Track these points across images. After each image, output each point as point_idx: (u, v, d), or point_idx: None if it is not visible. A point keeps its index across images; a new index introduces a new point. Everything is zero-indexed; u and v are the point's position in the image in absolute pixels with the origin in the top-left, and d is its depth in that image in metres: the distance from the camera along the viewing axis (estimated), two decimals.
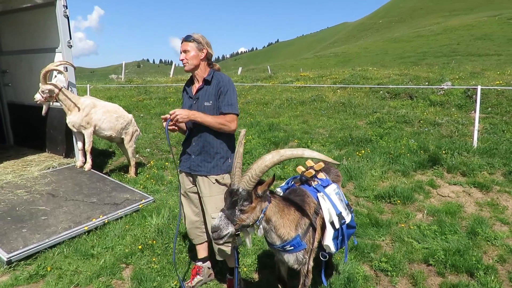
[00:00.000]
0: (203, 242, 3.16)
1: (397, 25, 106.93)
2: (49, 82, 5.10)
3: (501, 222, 3.95)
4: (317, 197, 2.48)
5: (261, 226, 2.20)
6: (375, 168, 5.35)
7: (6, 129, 7.10)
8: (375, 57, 49.78)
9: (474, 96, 7.63)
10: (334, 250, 2.57)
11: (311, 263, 2.50)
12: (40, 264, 3.45)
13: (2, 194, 4.56)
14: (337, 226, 2.45)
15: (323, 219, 2.43)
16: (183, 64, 2.72)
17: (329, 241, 2.51)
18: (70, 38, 5.44)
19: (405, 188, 4.60)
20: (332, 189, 2.61)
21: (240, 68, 23.07)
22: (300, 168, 2.77)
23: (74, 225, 4.00)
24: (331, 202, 2.44)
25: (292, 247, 2.33)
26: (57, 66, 5.15)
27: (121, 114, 5.62)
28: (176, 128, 2.75)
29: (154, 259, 3.52)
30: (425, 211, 4.19)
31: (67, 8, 5.31)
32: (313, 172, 2.64)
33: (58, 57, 5.58)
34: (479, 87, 5.72)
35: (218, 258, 2.96)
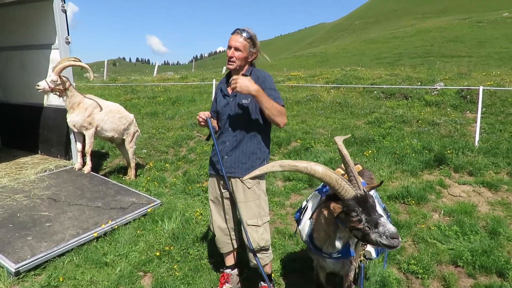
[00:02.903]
0: (232, 250, 3.02)
1: (373, 27, 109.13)
2: (63, 75, 4.80)
3: None
4: None
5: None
6: (382, 169, 5.35)
7: None
8: (352, 57, 50.54)
9: (468, 96, 7.82)
10: (375, 256, 2.51)
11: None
12: (51, 274, 3.22)
13: (0, 199, 4.25)
14: None
15: None
16: (229, 61, 2.52)
17: (370, 247, 2.44)
18: (68, 34, 5.15)
19: (418, 188, 4.61)
20: (371, 192, 2.54)
21: (224, 67, 22.86)
22: (339, 171, 2.69)
23: (82, 231, 3.77)
24: None
25: (340, 255, 2.24)
26: (78, 64, 4.91)
27: (124, 115, 5.39)
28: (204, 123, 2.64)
29: (175, 266, 3.35)
30: (442, 211, 4.20)
31: (65, 3, 5.02)
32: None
33: (55, 54, 5.27)
34: (481, 88, 5.84)
35: (254, 266, 2.82)
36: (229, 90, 2.64)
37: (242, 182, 2.66)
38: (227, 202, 2.85)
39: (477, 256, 3.28)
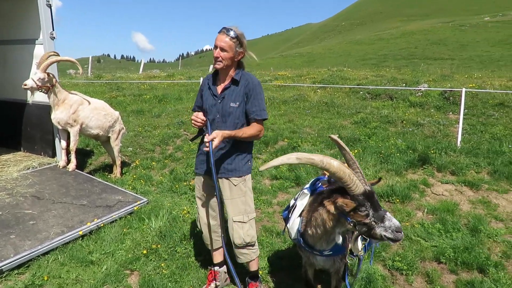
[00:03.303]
0: (220, 247, 3.03)
1: (359, 28, 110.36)
2: (49, 71, 4.71)
3: (495, 219, 4.12)
4: None
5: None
6: (368, 168, 5.43)
7: None
8: (338, 58, 51.00)
9: (451, 98, 8.00)
10: (363, 253, 2.55)
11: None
12: (35, 273, 3.16)
13: None
14: None
15: None
16: (216, 61, 2.51)
17: (359, 243, 2.48)
18: (53, 29, 5.05)
19: (403, 187, 4.70)
20: None
21: (211, 66, 22.78)
22: None
23: (67, 229, 3.71)
24: None
25: (331, 252, 2.28)
26: (65, 59, 4.83)
27: (109, 112, 5.33)
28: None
29: (162, 264, 3.34)
30: (425, 210, 4.29)
31: None
32: None
33: (39, 49, 5.17)
34: (463, 90, 5.99)
35: (241, 261, 2.85)
36: (218, 90, 2.65)
37: (228, 180, 2.69)
38: (214, 200, 2.86)
39: (459, 253, 3.37)
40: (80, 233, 3.71)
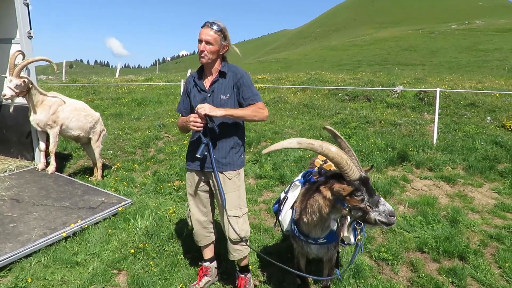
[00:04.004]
0: (211, 243, 3.03)
1: (334, 34, 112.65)
2: (23, 76, 4.56)
3: (472, 211, 4.32)
4: None
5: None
6: None
7: None
8: (314, 63, 51.82)
9: (425, 99, 8.32)
10: (354, 241, 2.62)
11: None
12: (18, 275, 3.06)
13: None
14: None
15: None
16: (201, 56, 2.50)
17: (349, 232, 2.55)
18: (30, 29, 4.93)
19: (384, 183, 4.85)
20: None
21: (189, 70, 22.64)
22: (318, 161, 2.79)
23: (50, 231, 3.61)
24: None
25: (325, 240, 2.33)
26: (37, 59, 4.67)
27: (90, 113, 5.23)
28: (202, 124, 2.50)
29: (151, 263, 3.30)
30: (406, 204, 4.44)
31: None
32: (332, 166, 2.67)
33: (15, 48, 5.01)
34: (438, 90, 6.26)
35: (232, 258, 2.84)
36: (206, 85, 2.64)
37: (222, 174, 2.68)
38: (205, 195, 2.85)
39: (440, 243, 3.51)
40: (64, 234, 3.61)
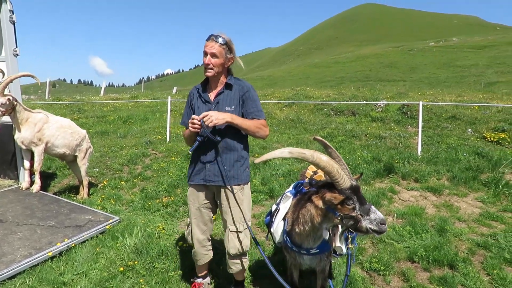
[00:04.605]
0: (207, 262, 2.96)
1: (316, 52, 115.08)
2: (7, 94, 4.49)
3: (458, 220, 4.40)
4: None
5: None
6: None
7: None
8: (298, 80, 52.64)
9: (408, 112, 8.53)
10: (345, 251, 2.63)
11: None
12: None
13: None
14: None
15: None
16: (207, 69, 2.49)
17: (341, 241, 2.56)
18: (16, 46, 4.90)
19: (372, 195, 4.90)
20: None
21: (175, 88, 22.74)
22: (309, 173, 2.81)
23: (35, 251, 3.50)
24: None
25: (318, 250, 2.34)
26: (19, 75, 4.62)
27: (76, 130, 5.17)
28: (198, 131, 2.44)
29: (141, 281, 3.22)
30: (395, 215, 4.49)
31: (13, 14, 4.79)
32: (322, 176, 2.70)
33: (1, 66, 4.96)
34: (420, 103, 6.44)
35: (232, 271, 2.78)
36: (211, 96, 2.62)
37: (228, 188, 2.61)
38: (207, 213, 2.77)
39: (430, 252, 3.55)
40: (50, 254, 3.51)
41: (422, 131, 6.93)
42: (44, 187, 5.72)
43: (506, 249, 3.63)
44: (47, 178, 6.29)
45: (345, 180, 1.97)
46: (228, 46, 2.49)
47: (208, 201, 2.73)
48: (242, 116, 2.56)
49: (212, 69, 2.48)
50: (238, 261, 2.71)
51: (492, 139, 7.15)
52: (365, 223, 1.98)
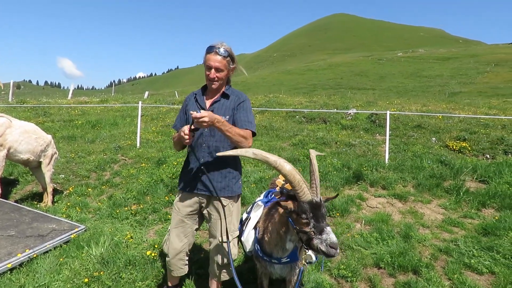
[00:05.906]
0: (181, 275, 2.87)
1: (289, 59, 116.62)
2: None
3: (422, 226, 4.56)
4: None
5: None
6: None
7: None
8: (272, 87, 53.08)
9: (377, 121, 8.79)
10: (315, 259, 2.67)
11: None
12: None
13: None
14: None
15: None
16: (212, 82, 2.47)
17: (311, 251, 2.60)
18: None
19: (341, 202, 5.00)
20: None
21: (147, 92, 22.34)
22: (280, 181, 2.84)
23: None
24: None
25: (289, 259, 2.36)
26: None
27: (41, 135, 4.98)
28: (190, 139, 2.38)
29: None
30: (363, 221, 4.60)
31: None
32: None
33: None
34: (388, 112, 6.67)
35: (220, 280, 2.74)
36: (207, 104, 2.59)
37: (219, 199, 2.54)
38: (190, 224, 2.70)
39: (395, 258, 3.66)
40: (9, 266, 3.35)
41: (389, 139, 7.17)
42: (5, 194, 5.47)
43: (466, 254, 3.80)
44: (8, 184, 6.01)
45: (306, 193, 1.97)
46: (230, 56, 2.47)
47: (195, 212, 2.68)
48: (234, 124, 2.50)
49: (217, 82, 2.48)
50: (224, 270, 2.69)
51: (454, 147, 7.48)
52: (316, 242, 1.93)
